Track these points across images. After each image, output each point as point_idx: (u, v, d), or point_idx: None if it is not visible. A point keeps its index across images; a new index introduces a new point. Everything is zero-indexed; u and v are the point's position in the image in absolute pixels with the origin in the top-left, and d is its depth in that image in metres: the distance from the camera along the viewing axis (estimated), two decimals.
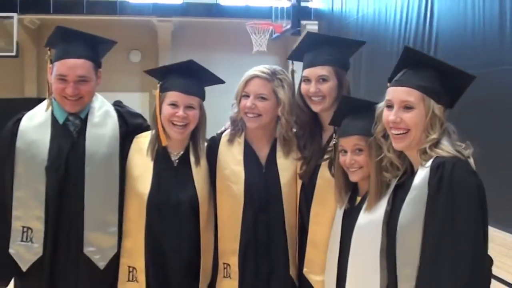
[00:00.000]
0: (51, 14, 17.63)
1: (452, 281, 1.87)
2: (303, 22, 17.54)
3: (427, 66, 2.08)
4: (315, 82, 2.52)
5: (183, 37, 16.66)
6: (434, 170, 1.96)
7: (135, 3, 15.49)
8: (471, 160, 2.05)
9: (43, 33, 18.97)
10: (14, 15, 15.28)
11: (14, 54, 14.91)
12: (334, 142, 2.38)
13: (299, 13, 12.27)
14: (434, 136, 2.02)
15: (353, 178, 2.33)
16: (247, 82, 2.57)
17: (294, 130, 2.65)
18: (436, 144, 2.02)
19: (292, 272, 2.59)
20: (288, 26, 11.63)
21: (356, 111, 2.32)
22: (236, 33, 14.43)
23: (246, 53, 13.34)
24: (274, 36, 12.80)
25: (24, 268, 2.51)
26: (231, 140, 2.63)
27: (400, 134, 2.06)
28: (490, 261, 2.08)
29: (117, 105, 2.73)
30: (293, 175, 2.59)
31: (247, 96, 2.55)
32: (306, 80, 2.54)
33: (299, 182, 2.60)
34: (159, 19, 17.29)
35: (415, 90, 2.04)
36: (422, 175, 2.00)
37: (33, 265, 2.51)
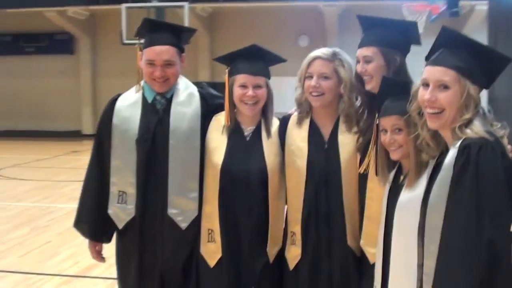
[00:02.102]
0: (221, 2, 18.64)
1: (469, 272, 1.87)
2: (472, 3, 16.84)
3: (464, 46, 2.09)
4: (362, 62, 2.68)
5: (350, 21, 16.67)
6: (460, 151, 1.98)
7: None
8: (505, 140, 2.08)
9: (215, 20, 20.12)
10: (185, 4, 16.33)
11: None
12: (377, 123, 2.51)
13: None
14: (467, 116, 2.03)
15: (394, 156, 2.43)
16: (309, 63, 2.77)
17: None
18: (467, 124, 2.03)
19: (351, 243, 2.75)
20: (444, 8, 11.22)
21: (395, 92, 2.42)
22: (395, 16, 14.27)
23: None
24: (432, 18, 12.46)
25: (120, 226, 2.94)
26: (299, 120, 2.86)
27: (435, 113, 2.09)
28: None
29: (200, 87, 3.08)
30: (353, 151, 2.75)
31: (311, 77, 2.76)
32: (357, 60, 2.72)
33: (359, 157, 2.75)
34: (325, 3, 17.54)
35: (451, 70, 2.06)
36: (451, 155, 2.02)
37: (127, 224, 2.93)
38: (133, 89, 3.02)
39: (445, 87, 2.07)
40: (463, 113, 2.04)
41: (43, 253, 5.91)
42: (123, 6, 16.31)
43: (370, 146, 2.61)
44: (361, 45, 2.72)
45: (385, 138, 2.44)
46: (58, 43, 20.13)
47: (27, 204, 8.08)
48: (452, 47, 2.11)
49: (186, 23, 16.38)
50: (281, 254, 2.88)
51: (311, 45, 17.05)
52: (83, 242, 3.15)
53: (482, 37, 17.55)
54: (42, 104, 20.02)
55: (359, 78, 2.72)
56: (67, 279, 5.13)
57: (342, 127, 2.80)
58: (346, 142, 2.77)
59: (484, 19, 17.14)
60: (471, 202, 1.92)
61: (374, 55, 2.66)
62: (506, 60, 2.11)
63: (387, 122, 2.44)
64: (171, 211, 2.88)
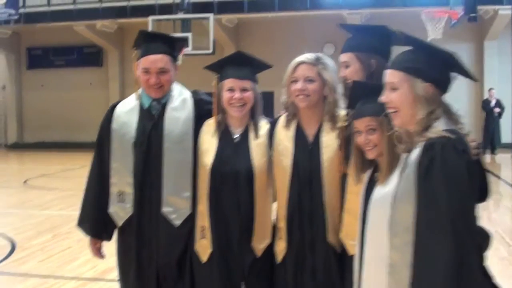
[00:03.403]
0: (246, 13, 18.88)
1: (435, 259, 1.99)
2: (496, 7, 16.78)
3: (411, 47, 2.22)
4: (342, 67, 2.87)
5: None
6: (425, 150, 2.09)
7: None
8: (471, 137, 2.21)
9: (240, 30, 20.38)
10: (210, 15, 16.62)
11: (210, 51, 16.19)
12: (345, 124, 2.66)
13: None
14: (420, 116, 2.14)
15: (370, 155, 2.54)
16: (295, 68, 2.93)
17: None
18: (428, 124, 2.13)
19: (333, 239, 2.88)
20: (462, 13, 11.26)
21: (367, 94, 2.54)
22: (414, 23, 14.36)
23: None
24: (452, 23, 12.49)
25: (119, 224, 3.15)
26: (287, 122, 3.01)
27: (393, 112, 2.23)
28: (485, 237, 2.23)
29: (195, 93, 3.26)
30: (337, 150, 2.89)
31: (296, 81, 2.91)
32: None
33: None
34: (349, 11, 17.68)
35: (397, 71, 2.20)
36: (415, 153, 2.13)
37: (126, 222, 3.13)
38: (132, 96, 3.23)
39: (395, 88, 2.20)
40: (416, 113, 2.16)
41: (62, 258, 6.17)
42: (150, 18, 16.72)
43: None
44: (341, 52, 2.90)
45: (360, 138, 2.56)
46: (87, 56, 20.67)
47: (51, 212, 8.36)
48: (406, 49, 2.24)
49: (212, 34, 16.68)
50: (271, 249, 3.03)
51: (336, 53, 17.24)
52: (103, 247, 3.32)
53: (506, 42, 17.46)
54: (73, 116, 20.51)
55: (347, 84, 2.87)
56: (84, 282, 5.34)
57: (326, 127, 2.94)
58: (330, 142, 2.91)
59: (508, 24, 17.07)
60: (439, 198, 2.02)
61: (351, 60, 2.83)
62: (449, 55, 2.18)
63: (361, 123, 2.56)
64: (165, 209, 3.07)
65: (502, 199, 10.75)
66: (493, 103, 16.83)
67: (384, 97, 2.26)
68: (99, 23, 18.98)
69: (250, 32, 20.30)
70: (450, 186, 2.02)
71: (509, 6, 16.31)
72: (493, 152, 16.61)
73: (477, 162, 2.38)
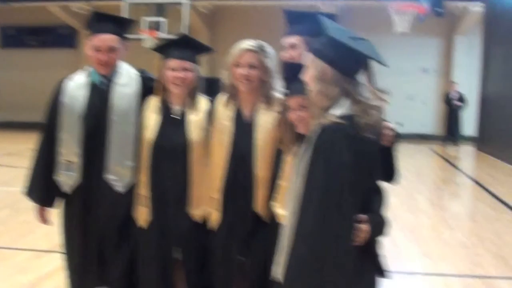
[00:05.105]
0: (222, 0, 18.99)
1: (301, 226, 2.25)
2: (466, 4, 17.12)
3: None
4: (289, 49, 3.13)
5: (348, 20, 16.93)
6: (316, 135, 2.30)
7: None
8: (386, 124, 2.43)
9: (216, 17, 20.46)
10: (186, 1, 16.67)
11: None
12: (282, 102, 2.87)
13: None
14: (314, 94, 2.38)
15: (301, 130, 2.74)
16: (240, 54, 3.15)
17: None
18: (327, 104, 2.33)
19: (263, 211, 3.13)
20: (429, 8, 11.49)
21: (299, 75, 2.72)
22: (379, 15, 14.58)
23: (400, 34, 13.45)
24: (420, 18, 12.73)
25: (69, 191, 3.36)
26: (226, 101, 3.24)
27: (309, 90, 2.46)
28: (381, 223, 2.42)
29: (141, 72, 3.48)
30: (270, 129, 3.12)
31: (240, 66, 3.13)
32: (284, 48, 3.16)
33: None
34: (323, 2, 17.86)
35: (309, 52, 2.43)
36: (314, 134, 2.34)
37: (73, 190, 3.35)
38: (81, 72, 3.46)
39: (307, 68, 2.42)
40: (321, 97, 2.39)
41: (19, 231, 6.33)
42: (124, 1, 16.69)
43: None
44: (288, 34, 3.15)
45: (292, 115, 2.77)
46: (61, 37, 20.57)
47: (13, 189, 8.44)
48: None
49: (187, 20, 16.77)
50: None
51: None
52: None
53: (475, 37, 17.83)
54: (45, 97, 20.38)
55: (283, 65, 3.08)
56: (39, 253, 5.52)
57: (262, 108, 3.18)
58: (264, 121, 3.16)
59: (478, 20, 17.43)
60: (314, 181, 2.26)
61: (299, 43, 3.08)
62: (352, 40, 2.37)
63: (293, 101, 2.78)
64: (109, 177, 3.31)
65: (457, 188, 11.12)
66: (453, 96, 17.21)
67: (303, 77, 2.49)
68: (74, 5, 18.94)
69: (225, 19, 20.42)
70: (327, 169, 2.24)
71: (479, 3, 16.67)
72: (454, 144, 17.00)
73: (387, 148, 2.62)
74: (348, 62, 2.36)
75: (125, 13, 15.58)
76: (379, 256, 2.46)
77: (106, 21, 3.34)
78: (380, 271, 2.45)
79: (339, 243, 2.23)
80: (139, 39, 15.65)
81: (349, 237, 2.26)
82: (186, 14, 17.05)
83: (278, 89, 3.14)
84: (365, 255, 2.34)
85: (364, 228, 2.32)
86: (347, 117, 2.30)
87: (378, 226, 2.43)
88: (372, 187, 2.43)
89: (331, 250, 2.22)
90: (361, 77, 2.38)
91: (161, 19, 16.89)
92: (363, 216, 2.32)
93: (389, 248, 3.72)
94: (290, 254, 2.31)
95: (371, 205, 2.39)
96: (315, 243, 2.23)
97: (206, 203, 3.25)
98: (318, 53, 2.38)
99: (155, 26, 16.78)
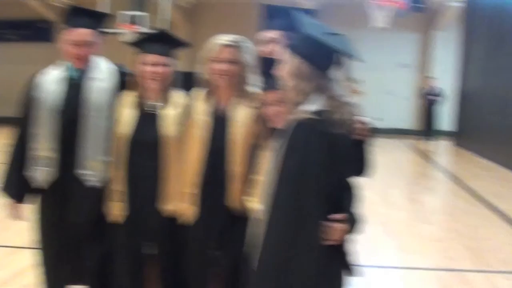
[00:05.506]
0: None
1: (272, 221, 2.33)
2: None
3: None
4: (271, 43, 3.20)
5: (327, 16, 16.92)
6: (290, 129, 2.34)
7: None
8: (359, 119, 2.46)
9: (197, 12, 20.39)
10: None
11: None
12: (260, 96, 2.91)
13: None
14: (290, 89, 2.42)
15: (277, 125, 2.78)
16: (219, 49, 3.15)
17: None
18: (300, 100, 2.36)
19: (237, 205, 3.15)
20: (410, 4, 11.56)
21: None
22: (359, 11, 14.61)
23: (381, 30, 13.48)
24: (399, 13, 12.80)
25: (46, 186, 3.35)
26: (204, 95, 3.25)
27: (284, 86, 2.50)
28: (354, 220, 2.44)
29: (119, 66, 3.49)
30: (247, 123, 3.14)
31: (217, 61, 3.14)
32: (264, 42, 3.25)
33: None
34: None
35: (286, 47, 2.45)
36: (289, 129, 2.37)
37: (49, 184, 3.35)
38: (57, 66, 3.44)
39: (284, 63, 2.46)
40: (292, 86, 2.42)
41: None
42: None
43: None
44: (267, 29, 3.21)
45: (270, 110, 2.79)
46: (40, 31, 20.36)
47: None
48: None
49: (168, 14, 16.71)
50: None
51: None
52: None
53: (453, 33, 17.97)
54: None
55: (262, 60, 3.11)
56: (13, 250, 5.48)
57: (239, 103, 3.19)
58: (240, 116, 3.17)
59: (457, 16, 17.57)
60: (287, 176, 2.31)
61: (281, 38, 3.12)
62: (327, 36, 2.40)
63: (271, 96, 2.81)
64: (83, 172, 3.31)
65: (433, 182, 11.24)
66: (429, 91, 17.40)
67: (277, 71, 2.52)
68: None
69: (206, 14, 20.36)
70: (300, 164, 2.29)
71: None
72: (428, 139, 17.18)
73: (359, 142, 2.65)
74: (322, 58, 2.39)
75: (105, 7, 15.47)
76: (348, 254, 2.49)
77: (82, 15, 3.34)
78: (349, 270, 2.48)
79: (308, 240, 2.27)
80: (118, 33, 15.56)
81: (318, 234, 2.30)
82: (166, 8, 17.00)
83: (256, 83, 3.16)
84: (333, 253, 2.38)
85: (339, 227, 2.36)
86: (321, 113, 2.33)
87: (351, 224, 2.46)
88: (344, 184, 2.46)
89: (299, 246, 2.26)
90: (336, 73, 2.42)
91: (141, 13, 16.80)
92: (340, 215, 2.36)
93: (365, 243, 3.77)
94: (262, 248, 2.35)
95: (342, 202, 2.42)
96: (283, 240, 2.27)
97: (179, 198, 3.26)
98: (294, 49, 2.41)
99: (135, 20, 16.69)
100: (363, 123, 2.69)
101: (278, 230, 2.29)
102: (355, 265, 2.50)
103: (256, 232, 2.69)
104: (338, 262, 2.44)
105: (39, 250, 3.47)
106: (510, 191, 9.68)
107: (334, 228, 2.34)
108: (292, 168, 2.29)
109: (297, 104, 2.39)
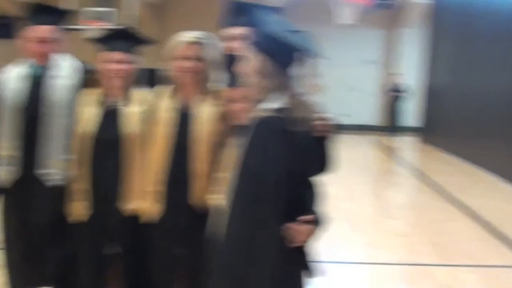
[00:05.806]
0: None
1: (232, 218, 2.37)
2: None
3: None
4: (237, 40, 3.18)
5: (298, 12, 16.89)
6: (252, 126, 2.38)
7: None
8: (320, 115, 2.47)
9: (166, 7, 20.26)
10: None
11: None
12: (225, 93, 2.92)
13: None
14: (254, 85, 2.44)
15: (242, 121, 2.74)
16: (186, 47, 3.14)
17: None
18: (262, 96, 2.39)
19: (200, 202, 3.14)
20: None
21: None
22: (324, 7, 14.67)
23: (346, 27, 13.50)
24: (365, 9, 12.90)
25: (9, 185, 3.32)
26: (167, 92, 3.24)
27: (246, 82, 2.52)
28: (319, 219, 2.43)
29: (82, 63, 3.45)
30: (211, 121, 3.14)
31: (182, 58, 3.13)
32: (227, 39, 3.25)
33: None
34: None
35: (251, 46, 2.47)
36: (250, 126, 2.41)
37: (14, 184, 3.31)
38: (18, 64, 3.40)
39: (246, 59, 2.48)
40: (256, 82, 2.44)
41: None
42: None
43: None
44: (234, 26, 3.21)
45: (235, 107, 2.80)
46: (2, 28, 19.98)
47: None
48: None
49: (135, 10, 16.56)
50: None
51: None
52: None
53: (419, 30, 18.18)
54: None
55: (227, 56, 3.11)
56: None
57: (203, 100, 3.19)
58: (204, 113, 3.16)
59: (423, 13, 17.78)
60: (248, 173, 2.34)
61: (248, 34, 2.94)
62: (286, 32, 2.44)
63: (237, 93, 2.81)
64: (47, 171, 3.28)
65: (398, 178, 11.38)
66: (392, 87, 17.63)
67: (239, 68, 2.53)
68: None
69: (175, 9, 20.23)
70: (261, 161, 2.32)
71: None
72: (393, 134, 17.41)
73: (320, 139, 2.67)
74: (283, 55, 2.40)
75: (72, 3, 15.28)
76: (306, 254, 2.49)
77: (45, 12, 3.31)
78: (308, 270, 2.49)
79: (266, 239, 2.29)
80: (82, 30, 15.37)
81: (276, 233, 2.31)
82: (134, 4, 16.86)
83: (221, 80, 3.16)
84: (292, 254, 2.39)
85: (306, 229, 2.37)
86: (282, 110, 2.35)
87: (316, 224, 2.46)
88: (306, 182, 2.47)
89: (257, 244, 2.28)
90: (297, 70, 2.44)
91: (108, 9, 16.62)
92: (309, 217, 2.37)
93: (330, 238, 3.79)
94: (222, 246, 2.36)
95: (305, 201, 2.43)
96: (242, 238, 2.29)
97: (142, 196, 3.23)
98: (257, 46, 2.42)
99: (102, 17, 16.52)
100: (324, 119, 2.71)
101: (237, 228, 2.30)
102: (315, 265, 2.50)
103: (216, 222, 2.68)
104: (297, 262, 2.45)
105: (5, 250, 3.43)
106: (474, 186, 9.84)
107: (301, 230, 2.35)
108: (252, 165, 2.31)
109: (259, 101, 2.40)
